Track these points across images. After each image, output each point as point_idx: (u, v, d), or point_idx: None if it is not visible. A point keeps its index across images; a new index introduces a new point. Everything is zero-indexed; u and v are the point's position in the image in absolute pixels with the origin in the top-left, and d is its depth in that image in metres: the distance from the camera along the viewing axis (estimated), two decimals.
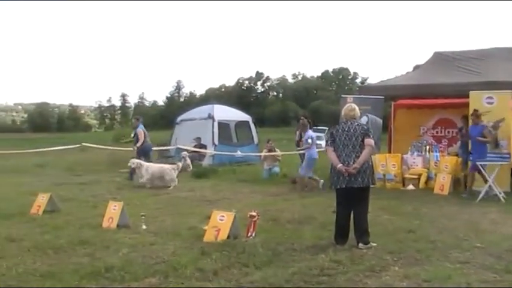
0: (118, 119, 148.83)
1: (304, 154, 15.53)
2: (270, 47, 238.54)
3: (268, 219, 9.86)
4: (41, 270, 6.59)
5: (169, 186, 15.48)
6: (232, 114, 26.18)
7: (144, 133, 18.40)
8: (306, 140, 15.41)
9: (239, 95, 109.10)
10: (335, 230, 8.07)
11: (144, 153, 18.01)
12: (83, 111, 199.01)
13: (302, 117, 17.32)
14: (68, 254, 7.51)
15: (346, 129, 8.00)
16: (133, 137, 18.87)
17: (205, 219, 9.21)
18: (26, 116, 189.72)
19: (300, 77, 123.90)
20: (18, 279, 6.28)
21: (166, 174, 15.82)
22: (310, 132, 15.67)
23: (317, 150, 15.36)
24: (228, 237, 8.02)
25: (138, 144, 18.23)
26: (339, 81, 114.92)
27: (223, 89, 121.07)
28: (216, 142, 22.96)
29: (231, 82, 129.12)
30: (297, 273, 6.42)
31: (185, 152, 19.93)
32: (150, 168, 15.99)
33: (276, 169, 18.45)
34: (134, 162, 16.28)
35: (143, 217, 9.33)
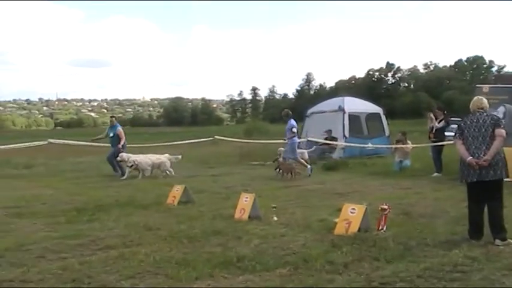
0: (249, 113, 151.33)
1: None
2: (401, 37, 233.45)
3: (399, 212, 9.65)
4: (177, 258, 6.84)
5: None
6: (362, 106, 25.77)
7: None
8: (290, 129, 16.81)
9: (369, 87, 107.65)
10: (468, 225, 7.75)
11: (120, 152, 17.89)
12: (215, 105, 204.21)
13: (436, 109, 16.96)
14: (202, 243, 7.74)
15: (475, 121, 7.66)
16: (112, 136, 18.64)
17: (336, 211, 9.16)
18: (161, 110, 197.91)
19: (431, 67, 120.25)
20: (155, 266, 6.56)
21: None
22: (293, 122, 17.08)
23: (446, 142, 14.96)
24: (359, 230, 7.93)
25: (122, 143, 18.29)
26: (473, 71, 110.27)
27: (353, 81, 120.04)
28: (347, 134, 22.74)
29: (361, 74, 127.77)
30: (429, 268, 6.22)
31: (281, 149, 19.28)
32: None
33: (407, 162, 17.99)
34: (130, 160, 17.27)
35: (274, 209, 9.44)
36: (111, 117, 20.04)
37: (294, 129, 16.91)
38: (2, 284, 5.97)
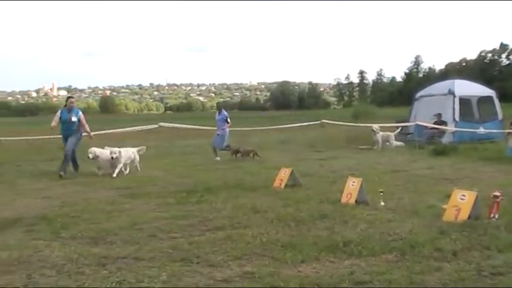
0: (356, 96, 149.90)
1: None
2: None
3: None
4: (283, 241, 6.93)
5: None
6: (474, 89, 24.82)
7: None
8: (226, 120, 18.65)
9: (481, 69, 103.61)
10: None
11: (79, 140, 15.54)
12: (322, 89, 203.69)
13: None
14: (308, 226, 7.80)
15: None
16: (74, 121, 15.15)
17: (445, 198, 8.94)
18: (268, 94, 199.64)
19: None
20: (262, 247, 6.68)
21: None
22: (226, 112, 19.02)
23: None
24: (469, 217, 7.71)
25: (88, 130, 15.56)
26: None
27: (464, 63, 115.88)
28: (457, 118, 22.07)
29: (472, 55, 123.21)
30: None
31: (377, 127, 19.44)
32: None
33: None
34: (115, 151, 14.63)
35: (381, 194, 9.35)
36: (69, 98, 15.80)
37: (229, 120, 18.82)
38: (116, 260, 6.29)
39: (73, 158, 15.24)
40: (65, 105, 15.44)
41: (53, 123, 15.26)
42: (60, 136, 15.72)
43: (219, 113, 19.05)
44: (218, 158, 18.20)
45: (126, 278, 5.58)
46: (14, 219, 8.77)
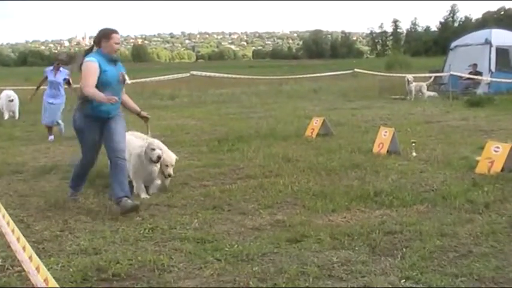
0: (389, 46, 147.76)
1: None
2: None
3: None
4: (314, 190, 6.97)
5: None
6: None
7: None
8: (68, 81, 12.74)
9: None
10: None
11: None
12: (355, 38, 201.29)
13: None
14: (339, 176, 7.82)
15: None
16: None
17: (479, 149, 8.85)
18: (301, 43, 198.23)
19: None
20: (293, 196, 6.74)
21: None
22: (66, 70, 12.76)
23: None
24: (502, 170, 7.62)
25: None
26: None
27: (502, 12, 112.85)
28: (493, 69, 21.63)
29: (511, 4, 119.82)
30: None
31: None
32: None
33: None
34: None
35: (414, 144, 9.28)
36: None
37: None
38: (149, 207, 6.41)
39: None
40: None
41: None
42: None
43: (58, 69, 12.69)
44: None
45: (158, 224, 5.68)
46: (50, 167, 8.94)
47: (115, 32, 6.47)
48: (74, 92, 11.69)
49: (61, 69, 12.59)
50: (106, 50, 6.35)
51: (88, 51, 6.59)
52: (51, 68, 12.62)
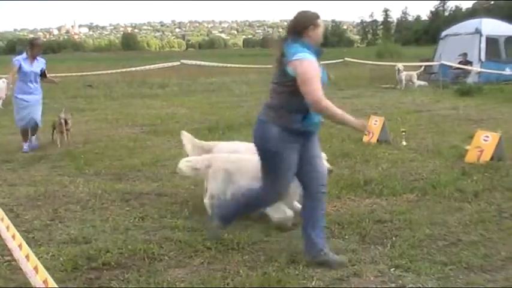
0: (380, 35, 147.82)
1: None
2: None
3: None
4: None
5: None
6: (502, 28, 24.13)
7: None
8: (43, 73, 9.99)
9: (511, 8, 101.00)
10: None
11: None
12: (345, 27, 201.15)
13: None
14: (331, 165, 7.81)
15: None
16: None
17: (468, 138, 8.89)
18: None
19: None
20: None
21: None
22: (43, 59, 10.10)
23: None
24: (492, 159, 7.67)
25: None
26: None
27: (492, 2, 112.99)
28: (483, 59, 21.67)
29: None
30: None
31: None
32: None
33: None
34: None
35: (404, 133, 9.32)
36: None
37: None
38: (139, 196, 6.41)
39: None
40: None
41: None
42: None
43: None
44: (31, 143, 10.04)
45: (148, 213, 5.69)
46: (39, 156, 8.91)
47: (319, 17, 4.51)
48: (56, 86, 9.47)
49: (37, 57, 9.90)
50: (314, 41, 4.43)
51: (285, 40, 4.49)
52: (25, 56, 9.77)
